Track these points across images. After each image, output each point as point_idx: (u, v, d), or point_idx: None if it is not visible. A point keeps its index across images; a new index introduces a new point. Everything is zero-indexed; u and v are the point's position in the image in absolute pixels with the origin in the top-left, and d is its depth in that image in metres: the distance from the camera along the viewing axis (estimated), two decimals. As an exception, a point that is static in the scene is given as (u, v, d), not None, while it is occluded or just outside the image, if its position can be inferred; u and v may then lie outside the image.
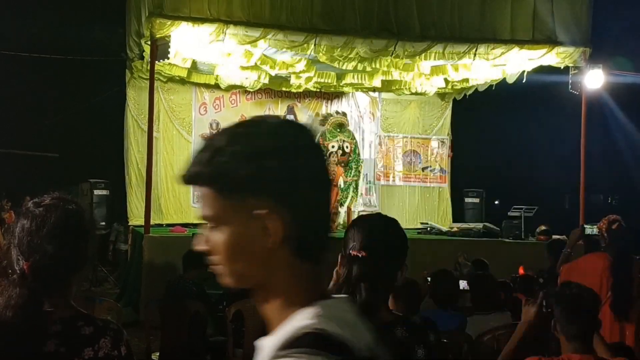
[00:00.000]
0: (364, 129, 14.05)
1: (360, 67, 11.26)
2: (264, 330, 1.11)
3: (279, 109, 13.41)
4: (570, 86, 10.68)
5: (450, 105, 14.40)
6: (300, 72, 11.42)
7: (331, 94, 13.66)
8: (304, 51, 9.96)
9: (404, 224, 2.66)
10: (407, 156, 14.29)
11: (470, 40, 10.07)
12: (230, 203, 1.08)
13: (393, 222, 2.21)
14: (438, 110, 14.43)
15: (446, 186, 14.43)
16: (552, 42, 10.19)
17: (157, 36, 9.01)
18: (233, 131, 1.11)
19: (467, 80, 12.19)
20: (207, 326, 5.65)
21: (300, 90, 12.98)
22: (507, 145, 16.90)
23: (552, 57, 10.33)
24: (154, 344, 5.68)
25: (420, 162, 14.33)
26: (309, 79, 12.13)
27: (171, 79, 12.16)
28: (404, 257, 2.15)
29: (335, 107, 13.72)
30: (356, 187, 13.20)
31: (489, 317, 4.52)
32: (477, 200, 13.59)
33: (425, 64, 11.17)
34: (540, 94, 14.01)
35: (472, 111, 14.55)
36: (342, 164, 13.02)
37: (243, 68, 11.30)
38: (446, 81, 12.39)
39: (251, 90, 12.76)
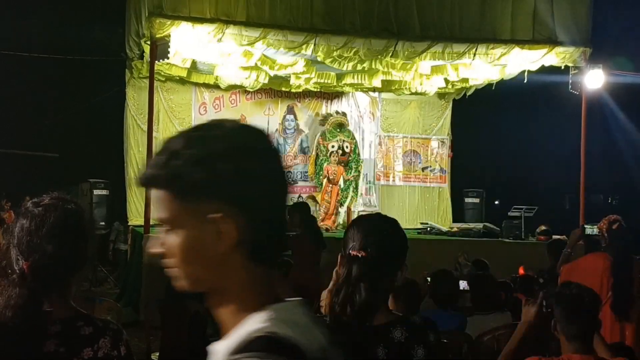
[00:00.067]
0: (364, 129, 14.04)
1: (360, 67, 11.26)
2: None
3: (278, 109, 13.43)
4: (570, 86, 10.68)
5: (450, 105, 14.40)
6: (300, 72, 11.43)
7: (331, 94, 13.65)
8: (304, 51, 9.96)
9: (404, 224, 2.66)
10: (407, 156, 14.29)
11: (470, 40, 10.08)
12: (185, 206, 1.08)
13: (393, 222, 2.21)
14: (438, 110, 14.43)
15: (446, 186, 14.43)
16: (552, 42, 10.20)
17: (157, 36, 9.02)
18: (190, 134, 1.11)
19: (466, 80, 12.19)
20: (207, 326, 5.64)
21: (300, 90, 12.99)
22: (507, 146, 16.86)
23: (552, 57, 10.34)
24: (154, 344, 5.68)
25: (420, 162, 14.33)
26: (308, 79, 12.14)
27: (171, 79, 12.17)
28: (404, 257, 2.15)
29: (335, 107, 13.72)
30: (356, 187, 13.18)
31: (489, 317, 4.53)
32: (477, 200, 13.58)
33: (425, 64, 11.17)
34: (540, 94, 13.99)
35: (472, 111, 14.53)
36: (342, 164, 13.01)
37: (243, 68, 11.31)
38: (446, 81, 12.40)
39: (251, 90, 12.77)
